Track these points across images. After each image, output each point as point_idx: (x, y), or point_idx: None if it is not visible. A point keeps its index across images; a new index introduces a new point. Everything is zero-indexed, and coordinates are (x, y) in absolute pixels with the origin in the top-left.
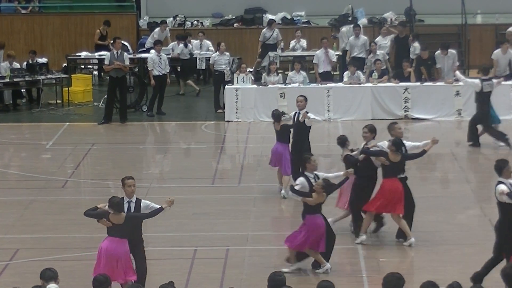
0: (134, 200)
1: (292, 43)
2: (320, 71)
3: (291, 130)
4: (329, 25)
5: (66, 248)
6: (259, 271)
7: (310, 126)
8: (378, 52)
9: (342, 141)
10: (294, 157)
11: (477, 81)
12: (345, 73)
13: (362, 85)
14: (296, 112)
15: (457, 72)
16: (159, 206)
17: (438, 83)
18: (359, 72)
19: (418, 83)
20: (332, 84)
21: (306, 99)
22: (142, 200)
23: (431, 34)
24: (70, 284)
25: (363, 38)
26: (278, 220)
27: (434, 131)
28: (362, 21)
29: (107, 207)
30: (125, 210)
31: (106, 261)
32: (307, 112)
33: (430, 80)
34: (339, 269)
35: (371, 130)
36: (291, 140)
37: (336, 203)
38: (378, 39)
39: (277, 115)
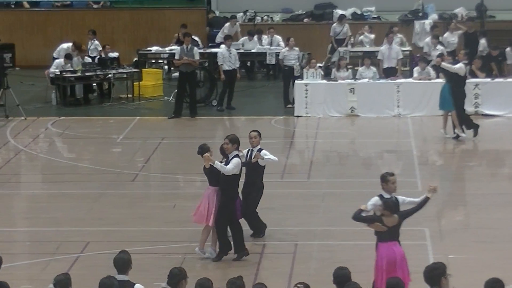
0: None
1: (360, 37)
2: (385, 66)
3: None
4: (399, 20)
5: (134, 242)
6: (327, 266)
7: (264, 166)
8: (438, 46)
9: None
10: (243, 200)
11: (462, 65)
12: (415, 68)
13: (432, 81)
14: (249, 149)
15: (443, 63)
16: (419, 198)
17: (508, 79)
18: (429, 68)
19: (489, 79)
20: (402, 80)
21: (260, 135)
22: (398, 197)
23: (502, 30)
24: (138, 277)
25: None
26: (347, 216)
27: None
28: (433, 16)
29: (368, 207)
30: None
31: (388, 269)
32: (261, 150)
33: (500, 76)
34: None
35: (233, 141)
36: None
37: (205, 219)
38: (446, 35)
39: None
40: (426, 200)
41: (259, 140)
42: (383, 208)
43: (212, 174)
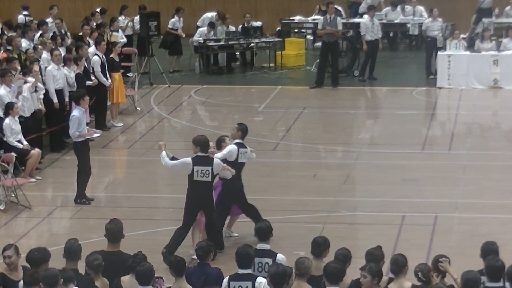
0: None
1: (506, 9)
2: None
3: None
4: None
5: (275, 210)
6: (468, 239)
7: (243, 163)
8: None
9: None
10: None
11: None
12: None
13: None
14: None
15: None
16: None
17: None
18: None
19: None
20: None
21: (240, 130)
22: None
23: None
24: (278, 246)
25: None
26: (489, 189)
27: None
28: None
29: None
30: None
31: None
32: (241, 144)
33: None
34: None
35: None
36: None
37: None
38: None
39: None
40: None
41: (236, 134)
42: None
43: None
